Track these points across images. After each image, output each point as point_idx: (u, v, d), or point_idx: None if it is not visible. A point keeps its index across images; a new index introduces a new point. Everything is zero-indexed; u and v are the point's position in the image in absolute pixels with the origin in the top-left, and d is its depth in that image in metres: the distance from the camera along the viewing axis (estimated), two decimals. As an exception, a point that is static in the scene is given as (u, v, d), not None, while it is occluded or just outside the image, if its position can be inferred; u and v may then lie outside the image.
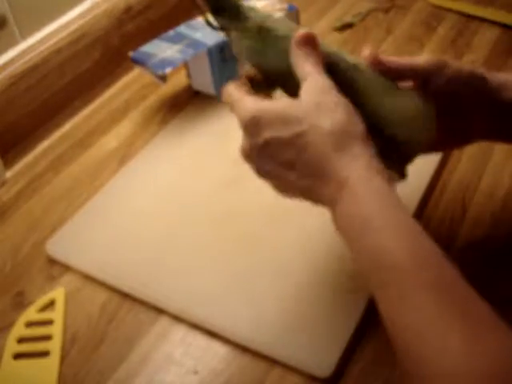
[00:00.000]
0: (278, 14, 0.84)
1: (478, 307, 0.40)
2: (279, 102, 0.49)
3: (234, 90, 0.51)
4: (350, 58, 0.53)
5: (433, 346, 0.38)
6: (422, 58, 0.55)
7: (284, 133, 0.47)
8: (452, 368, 0.37)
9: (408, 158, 0.56)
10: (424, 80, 0.55)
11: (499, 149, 0.74)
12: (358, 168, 0.46)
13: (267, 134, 0.47)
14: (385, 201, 0.45)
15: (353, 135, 0.47)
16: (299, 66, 0.50)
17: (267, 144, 0.48)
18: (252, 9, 0.54)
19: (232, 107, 0.51)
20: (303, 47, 0.50)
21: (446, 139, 0.58)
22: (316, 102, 0.47)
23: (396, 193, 0.47)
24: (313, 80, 0.49)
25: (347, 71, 0.52)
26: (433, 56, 0.56)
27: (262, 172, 0.51)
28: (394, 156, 0.57)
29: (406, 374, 0.40)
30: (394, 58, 0.55)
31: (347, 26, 1.01)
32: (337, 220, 0.47)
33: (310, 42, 0.50)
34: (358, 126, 0.48)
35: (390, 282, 0.42)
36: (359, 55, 0.54)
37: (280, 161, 0.48)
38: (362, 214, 0.45)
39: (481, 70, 0.58)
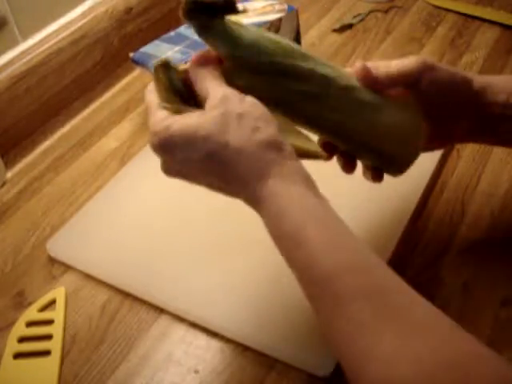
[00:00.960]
0: (277, 15, 0.85)
1: (413, 311, 0.40)
2: (186, 120, 0.47)
3: (149, 100, 0.51)
4: (341, 77, 0.53)
5: (362, 352, 0.39)
6: (409, 60, 0.55)
7: (194, 154, 0.47)
8: (378, 375, 0.38)
9: (399, 168, 0.57)
10: (413, 83, 0.55)
11: (498, 149, 0.74)
12: (271, 179, 0.46)
13: (179, 156, 0.48)
14: (304, 210, 0.45)
15: (264, 143, 0.46)
16: (198, 84, 0.50)
17: (181, 164, 0.48)
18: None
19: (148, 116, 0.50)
20: (201, 67, 0.50)
21: (431, 140, 0.58)
22: (220, 117, 0.47)
23: (317, 192, 0.47)
24: (214, 93, 0.48)
25: (339, 90, 0.53)
26: (419, 57, 0.56)
27: (189, 181, 0.51)
28: (384, 168, 0.57)
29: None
30: (382, 63, 0.55)
31: (347, 27, 1.01)
32: (266, 228, 0.47)
33: (208, 62, 0.50)
34: (268, 131, 0.47)
35: (321, 293, 0.43)
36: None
37: (200, 177, 0.49)
38: (284, 229, 0.45)
39: (465, 72, 0.59)
